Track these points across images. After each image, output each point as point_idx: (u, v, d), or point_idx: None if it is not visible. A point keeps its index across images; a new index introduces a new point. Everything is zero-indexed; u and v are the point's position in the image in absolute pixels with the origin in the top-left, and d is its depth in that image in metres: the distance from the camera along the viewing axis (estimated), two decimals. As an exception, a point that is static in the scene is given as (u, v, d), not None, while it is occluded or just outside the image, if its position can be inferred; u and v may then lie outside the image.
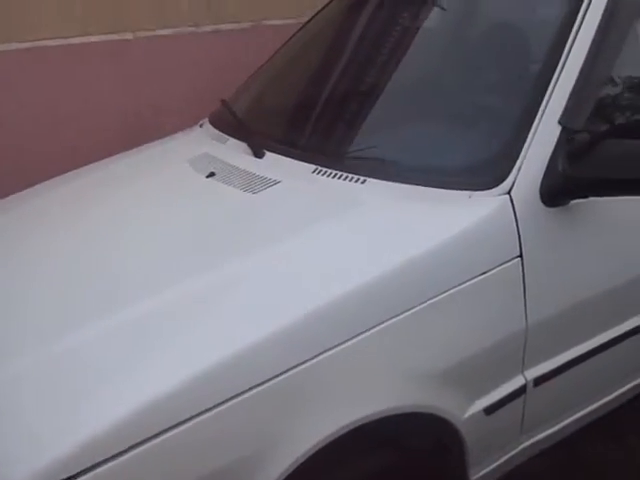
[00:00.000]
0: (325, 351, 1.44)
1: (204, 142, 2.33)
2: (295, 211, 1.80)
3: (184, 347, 1.39)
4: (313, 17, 2.72)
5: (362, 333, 1.49)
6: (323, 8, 2.71)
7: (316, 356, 1.43)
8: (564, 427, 2.00)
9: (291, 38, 2.69)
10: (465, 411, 1.67)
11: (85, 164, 2.44)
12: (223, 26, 3.50)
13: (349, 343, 1.47)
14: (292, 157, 2.02)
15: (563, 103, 1.74)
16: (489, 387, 1.72)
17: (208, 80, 3.24)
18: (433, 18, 2.31)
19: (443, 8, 2.30)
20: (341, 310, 1.49)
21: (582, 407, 2.03)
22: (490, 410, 1.71)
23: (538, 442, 1.93)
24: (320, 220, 1.73)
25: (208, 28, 3.47)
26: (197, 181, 2.04)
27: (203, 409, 1.30)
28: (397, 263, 1.57)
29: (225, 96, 2.54)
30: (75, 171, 2.39)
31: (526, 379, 1.77)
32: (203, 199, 1.96)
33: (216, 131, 2.38)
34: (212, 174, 2.03)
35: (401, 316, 1.54)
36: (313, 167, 1.93)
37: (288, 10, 3.61)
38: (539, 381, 1.80)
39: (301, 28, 2.70)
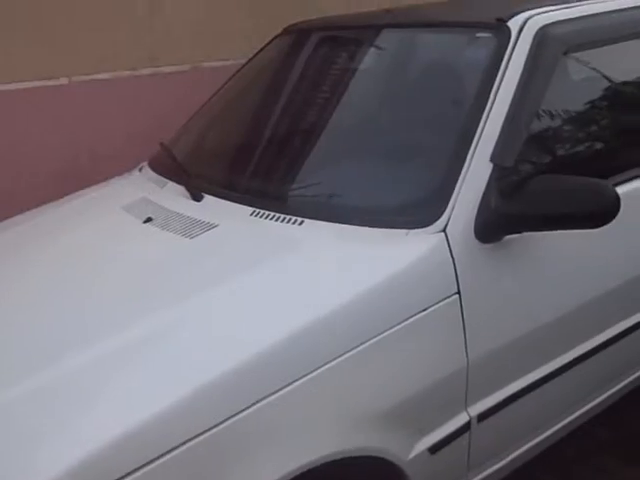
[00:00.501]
0: (264, 398, 1.42)
1: (142, 186, 2.31)
2: (231, 255, 1.78)
3: (115, 403, 1.35)
4: (251, 59, 2.74)
5: (302, 377, 1.47)
6: (261, 50, 2.73)
7: (255, 403, 1.40)
8: (512, 460, 2.00)
9: (229, 80, 2.71)
10: (409, 451, 1.65)
11: (21, 210, 2.39)
12: (162, 69, 3.49)
13: (289, 388, 1.45)
14: (230, 200, 2.01)
15: (493, 142, 1.78)
16: (433, 426, 1.71)
17: (147, 123, 3.22)
18: (368, 60, 2.35)
19: (378, 50, 2.35)
20: (280, 355, 1.47)
21: (529, 439, 2.03)
22: (435, 449, 1.70)
23: (486, 478, 1.93)
24: (257, 264, 1.72)
25: (146, 71, 3.45)
26: (133, 227, 2.01)
27: (136, 466, 1.25)
28: (336, 304, 1.56)
29: (165, 139, 2.53)
30: (9, 220, 2.34)
31: (470, 415, 1.77)
32: (139, 246, 1.93)
33: (155, 175, 2.36)
34: (149, 219, 2.00)
35: (341, 358, 1.52)
36: (251, 209, 1.93)
37: (227, 52, 3.64)
38: (483, 416, 1.80)
39: (239, 70, 2.72)
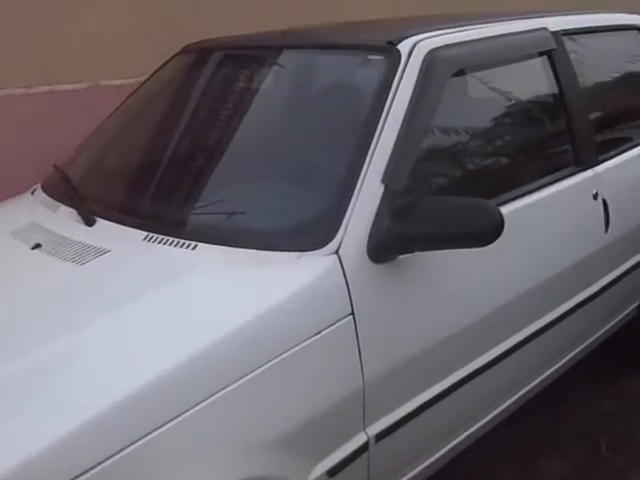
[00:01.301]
0: (160, 427, 1.38)
1: (33, 210, 2.23)
2: (121, 282, 1.73)
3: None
4: (148, 78, 2.69)
5: (196, 405, 1.44)
6: (159, 69, 2.69)
7: (150, 433, 1.36)
8: (413, 477, 2.02)
9: (126, 99, 2.65)
10: (308, 476, 1.64)
11: None
12: (58, 87, 3.38)
13: (180, 418, 1.41)
14: (124, 224, 1.96)
15: (385, 163, 1.80)
16: (331, 448, 1.71)
17: (42, 144, 3.10)
18: (263, 81, 2.35)
19: (273, 71, 2.35)
20: (173, 383, 1.43)
21: (429, 455, 2.06)
22: (334, 471, 1.70)
23: (388, 496, 1.94)
24: (146, 290, 1.67)
25: (42, 89, 3.33)
26: (21, 254, 1.93)
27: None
28: (227, 331, 1.53)
29: (60, 160, 2.44)
30: None
31: (368, 436, 1.77)
32: (25, 274, 1.85)
33: (48, 198, 2.28)
34: (38, 245, 1.92)
35: (235, 384, 1.50)
36: (144, 234, 1.88)
37: (127, 70, 3.56)
38: (381, 436, 1.81)
39: (136, 89, 2.66)
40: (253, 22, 3.87)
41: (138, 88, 2.66)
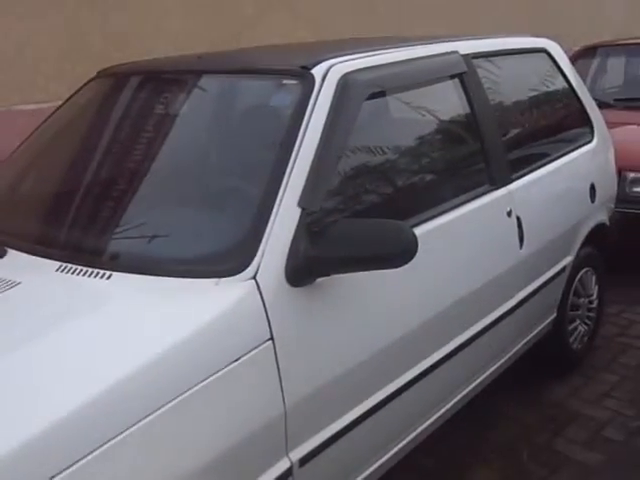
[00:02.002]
0: (72, 464, 1.33)
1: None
2: (30, 315, 1.67)
3: None
4: (63, 103, 2.63)
5: (113, 439, 1.40)
6: (74, 94, 2.63)
7: (62, 471, 1.31)
8: (340, 499, 2.01)
9: (40, 125, 2.58)
10: (232, 504, 1.61)
11: None
12: (-31, 112, 3.28)
13: (98, 452, 1.37)
14: (36, 254, 1.91)
15: (301, 187, 1.81)
16: (255, 474, 1.69)
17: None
18: (180, 106, 2.33)
19: (189, 96, 2.33)
20: (85, 418, 1.39)
21: (357, 474, 2.06)
22: (258, 498, 1.68)
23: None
24: (58, 323, 1.63)
25: (-49, 114, 3.22)
26: None
27: None
28: (144, 360, 1.50)
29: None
30: None
31: (291, 460, 1.76)
32: None
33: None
34: (-57, 279, 1.84)
35: (154, 415, 1.46)
36: (57, 264, 1.83)
37: (43, 94, 3.48)
38: (305, 460, 1.79)
39: (50, 115, 2.60)
40: (170, 46, 3.87)
41: (52, 113, 2.60)
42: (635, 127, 4.69)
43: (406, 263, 1.74)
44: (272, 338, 1.68)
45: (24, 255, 1.92)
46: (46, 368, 1.49)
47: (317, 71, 2.01)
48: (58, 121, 2.54)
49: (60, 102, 2.68)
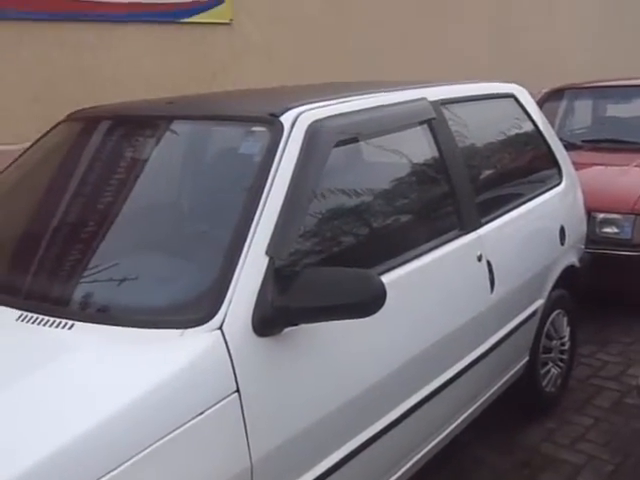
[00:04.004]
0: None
1: None
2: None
3: None
4: (31, 146, 2.60)
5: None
6: (42, 136, 2.61)
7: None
8: None
9: (6, 168, 2.54)
10: None
11: None
12: None
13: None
14: (-4, 302, 1.86)
15: (269, 235, 1.80)
16: (220, 532, 1.63)
17: None
18: (149, 151, 2.31)
19: (158, 141, 2.32)
20: (43, 474, 1.34)
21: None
22: None
23: None
24: (17, 374, 1.58)
25: None
26: None
27: None
28: (105, 415, 1.46)
29: None
30: None
31: (258, 516, 1.71)
32: None
33: None
34: None
35: (115, 471, 1.42)
36: (18, 313, 1.79)
37: (11, 135, 3.45)
38: (273, 514, 1.75)
39: (17, 158, 2.57)
40: (143, 87, 3.87)
41: (20, 156, 2.57)
42: (603, 168, 4.77)
43: (375, 312, 1.72)
44: (238, 390, 1.64)
45: (-17, 303, 1.87)
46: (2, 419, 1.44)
47: (286, 118, 2.01)
48: (25, 164, 2.51)
49: (29, 144, 2.66)
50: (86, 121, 2.54)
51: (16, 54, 3.50)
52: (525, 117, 3.26)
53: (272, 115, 2.03)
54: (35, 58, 3.58)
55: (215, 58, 4.45)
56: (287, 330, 1.76)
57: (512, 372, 2.93)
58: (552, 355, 3.27)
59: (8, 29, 3.46)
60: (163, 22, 4.10)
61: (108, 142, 2.42)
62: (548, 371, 3.25)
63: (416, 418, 2.21)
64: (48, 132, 2.60)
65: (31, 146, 2.59)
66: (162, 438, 1.50)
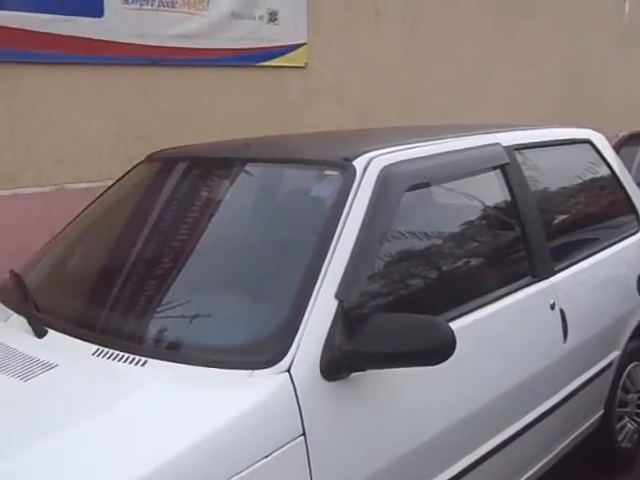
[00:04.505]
0: None
1: (-15, 319, 2.17)
2: (66, 400, 1.68)
3: None
4: (111, 186, 2.71)
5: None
6: (122, 177, 2.71)
7: None
8: None
9: (87, 206, 2.65)
10: None
11: None
12: (22, 190, 3.40)
13: None
14: (75, 336, 1.93)
15: (339, 278, 1.80)
16: None
17: (6, 248, 3.08)
18: (224, 193, 2.38)
19: (234, 183, 2.38)
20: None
21: None
22: None
23: None
24: (92, 409, 1.63)
25: (5, 192, 3.34)
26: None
27: None
28: (174, 454, 1.48)
29: (20, 265, 2.41)
30: None
31: None
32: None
33: (1, 305, 2.23)
34: (-16, 358, 1.87)
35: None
36: (95, 347, 1.85)
37: (94, 173, 3.60)
38: None
39: (97, 197, 2.67)
40: (220, 128, 3.98)
41: (100, 196, 2.68)
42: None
43: (443, 361, 1.70)
44: (304, 434, 1.64)
45: (62, 336, 1.94)
46: (77, 457, 1.48)
47: (358, 163, 2.03)
48: (105, 203, 2.60)
49: (111, 182, 2.77)
50: (165, 162, 2.63)
51: (102, 96, 3.68)
52: (601, 162, 3.19)
53: (345, 159, 2.05)
54: (120, 101, 3.75)
55: (290, 100, 4.55)
56: (354, 375, 1.76)
57: (586, 425, 2.82)
58: (628, 409, 3.13)
59: (95, 73, 3.65)
60: (242, 66, 4.23)
61: (185, 182, 2.50)
62: (624, 426, 3.11)
63: (484, 470, 2.14)
64: (128, 172, 2.70)
65: (112, 185, 2.70)
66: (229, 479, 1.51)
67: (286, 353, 1.68)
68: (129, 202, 2.58)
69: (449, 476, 2.02)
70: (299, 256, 1.92)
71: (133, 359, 1.76)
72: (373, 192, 1.97)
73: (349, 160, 2.05)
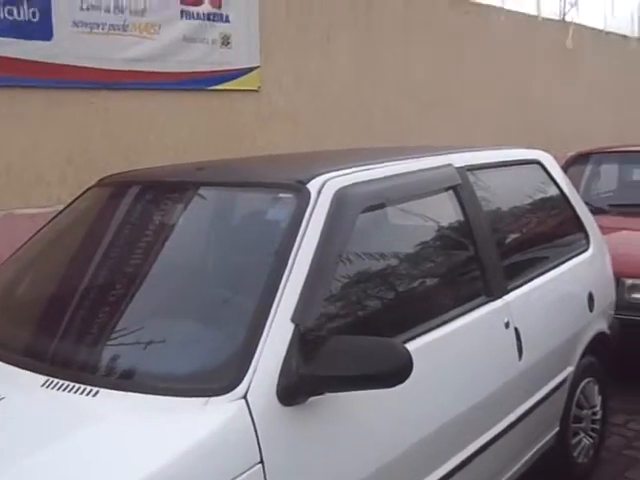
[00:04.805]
0: None
1: None
2: (13, 432, 1.62)
3: None
4: (61, 211, 2.65)
5: None
6: (73, 201, 2.66)
7: None
8: None
9: (35, 233, 2.58)
10: None
11: None
12: (-31, 216, 3.31)
13: None
14: (24, 367, 1.87)
15: (295, 301, 1.79)
16: None
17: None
18: (176, 216, 2.34)
19: (186, 207, 2.35)
20: None
21: None
22: None
23: None
24: (41, 442, 1.57)
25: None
26: None
27: None
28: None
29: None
30: None
31: None
32: None
33: (-56, 337, 2.15)
34: None
35: None
36: (44, 379, 1.79)
37: (42, 198, 3.53)
38: None
39: (47, 223, 2.61)
40: (173, 152, 3.95)
41: (51, 220, 2.62)
42: (630, 232, 4.73)
43: (400, 383, 1.70)
44: (262, 461, 1.61)
45: (10, 367, 1.88)
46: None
47: (313, 185, 2.03)
48: (55, 228, 2.55)
49: (61, 207, 2.71)
50: (116, 186, 2.59)
51: (51, 120, 3.62)
52: (551, 182, 3.25)
53: (299, 182, 2.05)
54: (69, 124, 3.69)
55: (243, 124, 4.55)
56: (312, 399, 1.74)
57: (542, 442, 2.84)
58: (583, 425, 3.17)
59: (44, 96, 3.58)
60: (194, 89, 4.22)
61: (137, 207, 2.46)
62: (580, 441, 3.15)
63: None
64: (79, 196, 2.65)
65: (62, 211, 2.64)
66: (184, 510, 1.47)
67: (242, 379, 1.65)
68: (80, 228, 2.53)
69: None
70: (254, 280, 1.90)
71: (84, 389, 1.71)
72: (328, 214, 1.97)
73: (303, 183, 2.04)
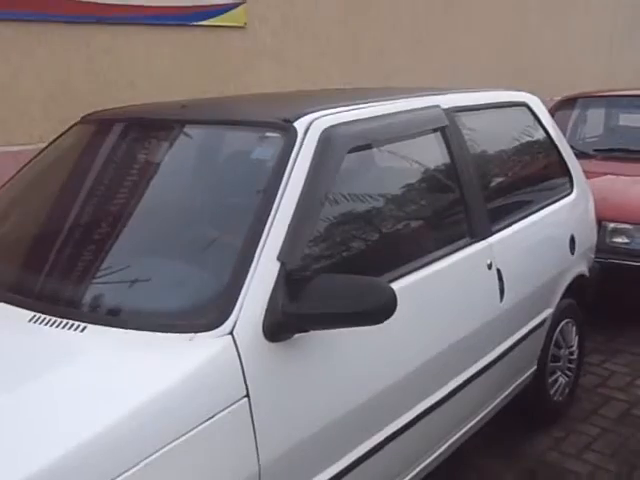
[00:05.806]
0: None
1: None
2: (3, 367, 1.64)
3: None
4: (45, 148, 2.62)
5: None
6: (56, 139, 2.62)
7: None
8: None
9: (20, 170, 2.56)
10: None
11: None
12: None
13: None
14: (10, 303, 1.88)
15: (281, 240, 1.80)
16: (227, 536, 1.64)
17: None
18: (161, 155, 2.32)
19: (171, 145, 2.33)
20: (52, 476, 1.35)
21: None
22: None
23: None
24: (29, 376, 1.59)
25: None
26: None
27: None
28: (114, 418, 1.46)
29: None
30: None
31: (265, 521, 1.71)
32: None
33: None
34: None
35: (125, 474, 1.42)
36: (31, 314, 1.80)
37: (25, 136, 3.47)
38: (280, 520, 1.75)
39: (31, 160, 2.58)
40: (157, 90, 3.88)
41: (33, 158, 2.59)
42: (614, 177, 4.76)
43: (384, 321, 1.73)
44: (248, 395, 1.65)
45: (-3, 303, 1.89)
46: (13, 424, 1.45)
47: (299, 124, 2.01)
48: (39, 165, 2.52)
49: (44, 145, 2.68)
50: (100, 123, 2.56)
51: (32, 55, 3.52)
52: (537, 126, 3.26)
53: (286, 121, 2.03)
54: (50, 59, 3.60)
55: (229, 61, 4.47)
56: (297, 336, 1.77)
57: (520, 380, 2.93)
58: (560, 364, 3.26)
59: (24, 31, 3.48)
60: (178, 25, 4.12)
61: (121, 145, 2.44)
62: (556, 380, 3.24)
63: (423, 425, 2.21)
64: (62, 134, 2.62)
65: (45, 147, 2.61)
66: (170, 442, 1.51)
67: (229, 316, 1.68)
68: (64, 165, 2.50)
69: (387, 434, 2.07)
70: (240, 218, 1.90)
71: (72, 325, 1.73)
72: (315, 154, 1.96)
73: (290, 121, 2.03)
